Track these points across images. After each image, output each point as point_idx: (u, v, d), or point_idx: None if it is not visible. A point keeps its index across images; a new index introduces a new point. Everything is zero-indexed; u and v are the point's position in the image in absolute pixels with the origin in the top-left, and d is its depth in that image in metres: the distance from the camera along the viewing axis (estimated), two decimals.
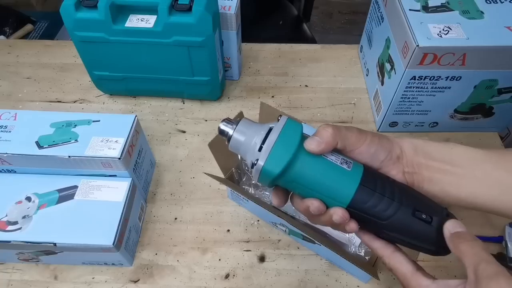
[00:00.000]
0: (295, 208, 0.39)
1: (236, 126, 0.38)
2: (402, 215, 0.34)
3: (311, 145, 0.35)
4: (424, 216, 0.34)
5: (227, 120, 0.38)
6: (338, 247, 0.57)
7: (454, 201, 0.36)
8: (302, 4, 1.39)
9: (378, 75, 0.75)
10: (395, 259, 0.36)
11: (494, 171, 0.36)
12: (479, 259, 0.30)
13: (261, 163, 0.35)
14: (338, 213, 0.35)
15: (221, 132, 0.38)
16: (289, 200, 0.40)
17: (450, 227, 0.33)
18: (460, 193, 0.36)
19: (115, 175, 0.57)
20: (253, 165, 0.36)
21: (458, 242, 0.32)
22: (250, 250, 0.60)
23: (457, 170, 0.37)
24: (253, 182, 0.63)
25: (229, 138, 0.38)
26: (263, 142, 0.36)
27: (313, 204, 0.36)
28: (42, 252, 0.54)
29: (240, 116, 0.60)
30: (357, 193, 0.35)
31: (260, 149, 0.35)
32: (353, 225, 0.36)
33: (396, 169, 0.38)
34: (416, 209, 0.34)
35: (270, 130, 0.36)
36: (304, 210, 0.37)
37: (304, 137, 0.36)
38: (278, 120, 0.37)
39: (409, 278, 0.34)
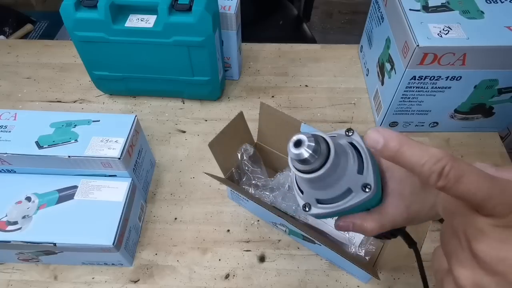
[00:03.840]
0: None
1: (329, 150, 0.28)
2: None
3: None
4: None
5: (313, 144, 0.27)
6: (338, 247, 0.57)
7: None
8: (302, 4, 1.38)
9: (378, 75, 0.75)
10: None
11: None
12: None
13: (374, 188, 0.29)
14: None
15: (302, 160, 0.28)
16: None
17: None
18: None
19: (115, 175, 0.57)
20: (348, 192, 0.30)
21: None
22: (250, 250, 0.60)
23: None
24: (254, 182, 0.63)
25: (316, 167, 0.28)
26: (359, 163, 0.30)
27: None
28: (42, 252, 0.54)
29: (241, 116, 0.60)
30: None
31: (360, 172, 0.30)
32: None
33: None
34: None
35: (354, 147, 0.31)
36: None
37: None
38: (348, 134, 0.31)
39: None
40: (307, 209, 0.32)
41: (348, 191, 0.30)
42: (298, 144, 0.27)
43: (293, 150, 0.27)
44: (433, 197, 0.32)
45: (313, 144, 0.27)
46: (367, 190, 0.29)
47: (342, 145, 0.30)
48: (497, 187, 0.21)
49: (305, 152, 0.27)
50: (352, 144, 0.31)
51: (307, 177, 0.29)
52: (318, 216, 0.31)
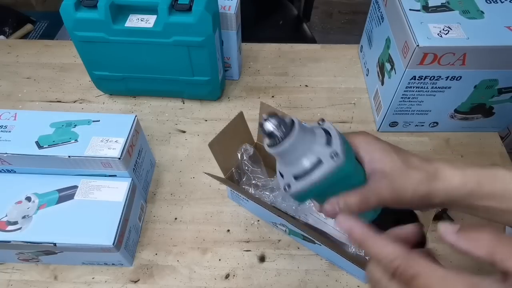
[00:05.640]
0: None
1: (293, 126, 0.32)
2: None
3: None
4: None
5: (277, 118, 0.31)
6: (338, 247, 0.57)
7: (493, 221, 0.34)
8: (302, 4, 1.38)
9: (378, 75, 0.75)
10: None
11: None
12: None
13: (341, 155, 0.31)
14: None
15: (270, 134, 0.32)
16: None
17: (449, 229, 0.28)
18: (502, 219, 0.34)
19: (115, 175, 0.57)
20: (318, 162, 0.32)
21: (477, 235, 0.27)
22: (250, 250, 0.60)
23: (504, 205, 0.33)
24: (254, 182, 0.63)
25: (279, 139, 0.32)
26: (328, 138, 0.33)
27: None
28: (42, 252, 0.54)
29: (241, 116, 0.60)
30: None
31: (328, 144, 0.32)
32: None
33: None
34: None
35: (325, 130, 0.34)
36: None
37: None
38: (320, 123, 0.35)
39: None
40: (287, 189, 0.33)
41: (319, 162, 0.32)
42: (265, 120, 0.31)
43: (262, 127, 0.32)
44: (417, 174, 0.34)
45: (278, 118, 0.31)
46: (334, 157, 0.31)
47: (311, 126, 0.34)
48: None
49: (269, 126, 0.31)
50: (324, 129, 0.34)
51: (277, 151, 0.32)
52: (299, 195, 0.33)
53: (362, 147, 0.35)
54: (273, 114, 0.32)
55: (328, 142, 0.32)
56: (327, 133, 0.34)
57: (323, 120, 0.35)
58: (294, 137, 0.31)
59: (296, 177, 0.33)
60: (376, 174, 0.34)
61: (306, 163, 0.32)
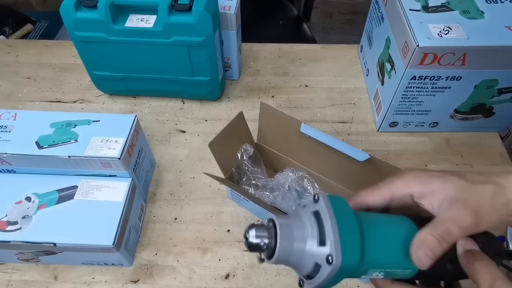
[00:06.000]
0: None
1: (276, 230, 0.30)
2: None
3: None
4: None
5: (258, 227, 0.30)
6: None
7: None
8: (302, 4, 1.38)
9: (378, 75, 0.75)
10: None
11: None
12: (494, 276, 0.30)
13: (338, 259, 0.28)
14: None
15: (255, 247, 0.30)
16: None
17: (465, 245, 0.33)
18: None
19: (115, 175, 0.57)
20: (317, 267, 0.29)
21: (472, 259, 0.31)
22: None
23: None
24: (254, 182, 0.63)
25: (271, 250, 0.30)
26: (321, 233, 0.30)
27: None
28: (42, 252, 0.54)
29: (241, 116, 0.60)
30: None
31: (322, 243, 0.29)
32: None
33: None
34: None
35: (317, 215, 0.31)
36: None
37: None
38: (316, 200, 0.32)
39: None
40: (302, 284, 0.32)
41: (317, 266, 0.30)
42: (246, 235, 0.30)
43: (246, 243, 0.30)
44: (488, 187, 0.32)
45: (257, 227, 0.30)
46: (330, 261, 0.28)
47: (299, 219, 0.31)
48: None
49: (252, 239, 0.30)
50: (316, 212, 0.31)
51: (272, 263, 0.30)
52: None
53: (414, 188, 0.34)
54: (251, 226, 0.30)
55: (322, 239, 0.29)
56: (317, 216, 0.30)
57: (318, 196, 0.32)
58: (280, 246, 0.29)
59: (307, 277, 0.31)
60: (444, 202, 0.32)
61: (306, 269, 0.30)
